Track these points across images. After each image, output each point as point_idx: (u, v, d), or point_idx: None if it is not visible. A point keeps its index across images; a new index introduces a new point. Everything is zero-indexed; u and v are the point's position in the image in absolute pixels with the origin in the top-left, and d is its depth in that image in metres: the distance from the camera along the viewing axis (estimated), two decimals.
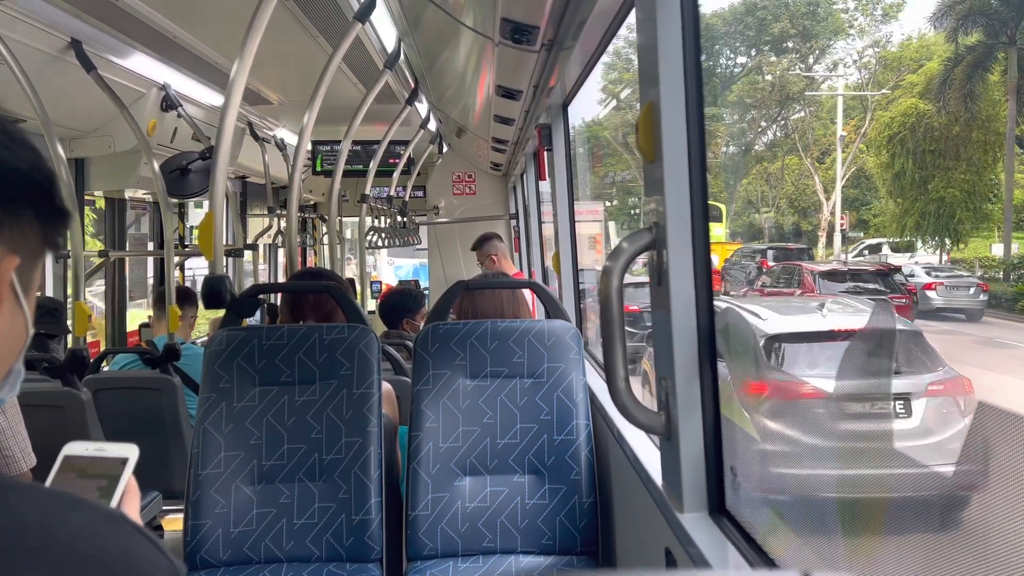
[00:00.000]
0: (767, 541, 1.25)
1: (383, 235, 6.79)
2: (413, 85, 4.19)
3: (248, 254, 6.50)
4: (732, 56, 29.33)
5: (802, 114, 26.36)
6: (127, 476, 0.78)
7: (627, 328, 1.36)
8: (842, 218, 21.41)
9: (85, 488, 0.77)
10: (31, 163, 0.67)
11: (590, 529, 2.18)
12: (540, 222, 5.19)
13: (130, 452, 0.79)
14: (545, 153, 3.45)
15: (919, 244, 13.70)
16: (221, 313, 2.60)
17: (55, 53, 3.07)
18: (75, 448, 0.80)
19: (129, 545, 0.55)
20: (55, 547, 0.51)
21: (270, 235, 7.16)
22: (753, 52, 27.93)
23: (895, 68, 22.15)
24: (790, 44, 26.69)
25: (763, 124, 27.80)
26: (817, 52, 26.11)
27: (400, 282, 8.58)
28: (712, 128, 27.63)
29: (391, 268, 15.20)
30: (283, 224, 6.39)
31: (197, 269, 6.76)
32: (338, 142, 5.66)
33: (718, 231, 21.54)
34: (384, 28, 3.29)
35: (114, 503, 0.76)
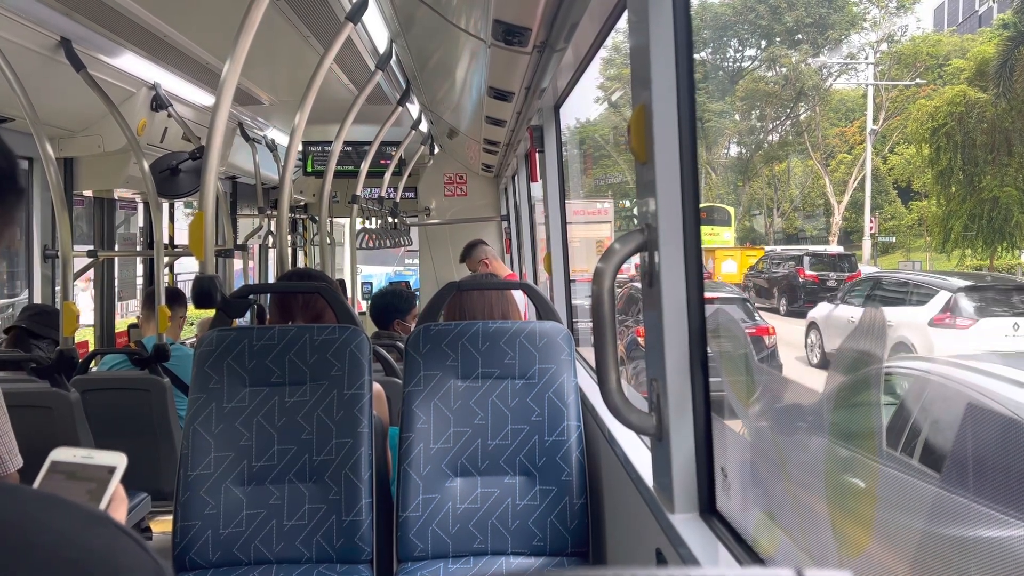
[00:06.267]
0: (757, 541, 1.26)
1: (374, 236, 6.78)
2: (405, 86, 4.19)
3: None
4: (741, 49, 28.91)
5: (812, 112, 25.85)
6: (115, 484, 0.77)
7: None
8: (871, 221, 20.62)
9: (74, 490, 0.76)
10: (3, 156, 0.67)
11: (581, 530, 2.19)
12: (533, 224, 5.20)
13: (118, 461, 0.78)
14: (537, 155, 3.46)
15: (968, 253, 12.23)
16: (211, 313, 2.59)
17: (44, 52, 3.05)
18: (62, 454, 0.79)
19: (113, 545, 0.54)
20: (38, 549, 0.51)
21: (260, 236, 7.14)
22: (764, 43, 27.43)
23: (910, 63, 21.47)
24: (801, 36, 26.06)
25: (773, 123, 27.36)
26: (831, 44, 25.50)
27: (390, 283, 8.56)
28: (719, 125, 27.32)
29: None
30: (273, 225, 6.37)
31: (184, 273, 6.73)
32: (329, 143, 5.65)
33: (726, 235, 21.12)
34: (376, 29, 3.28)
35: (102, 507, 0.76)
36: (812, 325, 8.87)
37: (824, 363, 8.29)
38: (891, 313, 7.36)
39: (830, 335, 8.34)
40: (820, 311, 9.10)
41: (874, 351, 1.18)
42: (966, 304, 6.82)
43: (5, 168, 0.68)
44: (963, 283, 7.29)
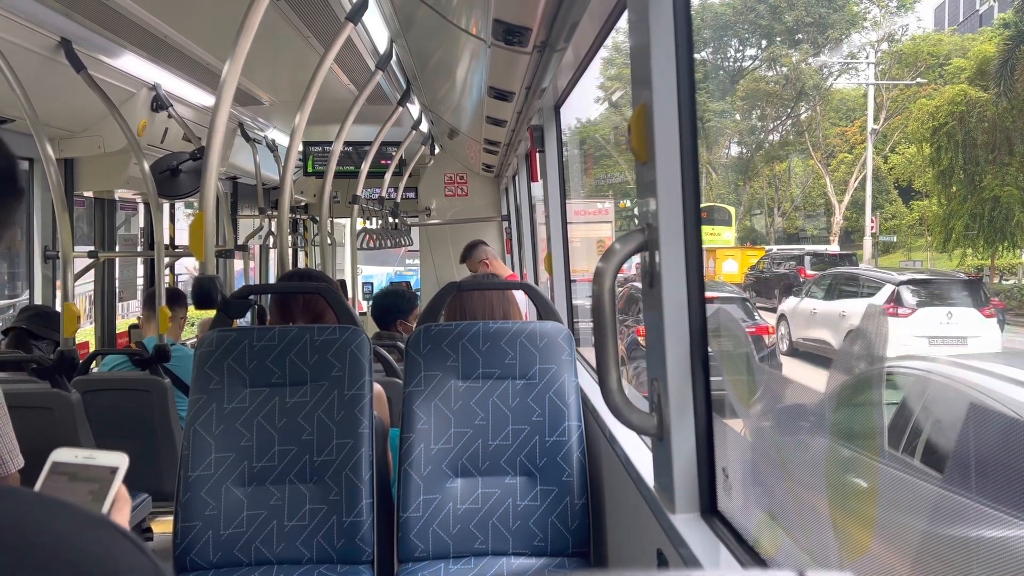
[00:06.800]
0: (759, 542, 1.25)
1: (374, 236, 6.78)
2: (405, 86, 4.19)
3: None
4: (741, 48, 28.87)
5: (813, 112, 25.80)
6: (117, 484, 0.77)
7: None
8: (872, 220, 20.60)
9: (77, 491, 0.76)
10: (4, 157, 0.67)
11: (582, 530, 2.18)
12: (533, 224, 5.20)
13: (120, 461, 0.78)
14: (537, 155, 3.45)
15: (969, 252, 12.30)
16: (211, 314, 2.59)
17: (45, 53, 3.05)
18: (64, 455, 0.79)
19: (110, 549, 0.54)
20: (35, 552, 0.51)
21: (261, 236, 7.14)
22: (764, 43, 27.38)
23: (910, 63, 21.43)
24: (801, 36, 25.98)
25: (773, 123, 27.28)
26: (832, 43, 25.41)
27: (391, 283, 8.57)
28: (720, 125, 27.28)
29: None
30: (274, 225, 6.37)
31: (185, 273, 6.73)
32: (329, 143, 5.66)
33: (727, 235, 21.07)
34: (376, 29, 3.28)
35: (104, 511, 0.75)
36: (782, 317, 9.56)
37: (792, 350, 8.90)
38: (846, 305, 8.39)
39: (796, 325, 9.08)
40: (788, 304, 9.79)
41: (874, 351, 1.18)
42: (908, 296, 7.88)
43: (5, 169, 0.68)
44: (905, 277, 8.45)
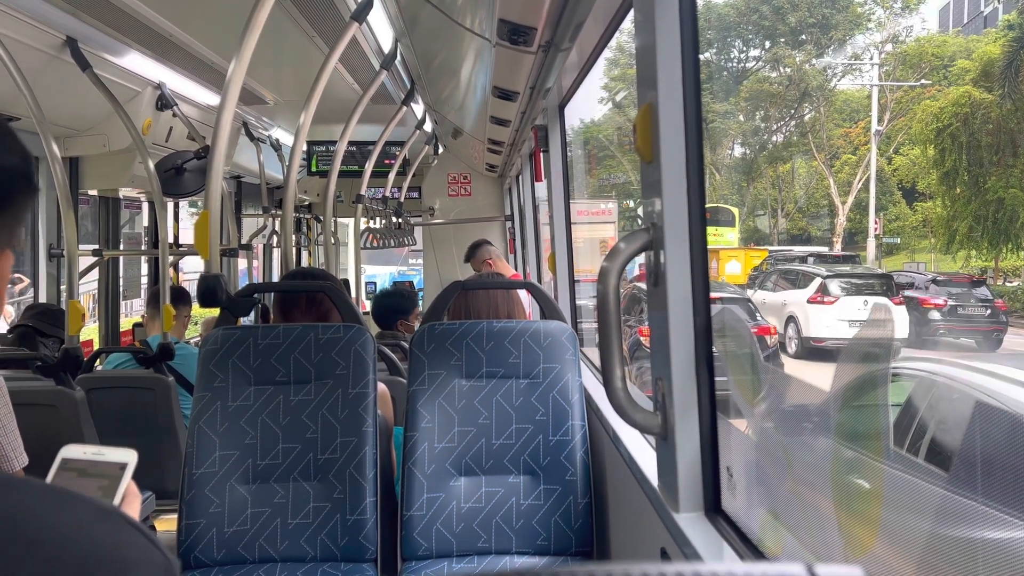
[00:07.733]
0: (763, 540, 1.25)
1: (378, 236, 6.78)
2: (409, 86, 4.19)
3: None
4: (745, 49, 28.82)
5: (817, 113, 25.75)
6: (127, 479, 0.78)
7: None
8: (876, 222, 20.56)
9: (87, 487, 0.76)
10: (21, 156, 0.67)
11: (585, 530, 2.19)
12: (537, 224, 5.20)
13: (129, 457, 0.78)
14: (541, 154, 3.45)
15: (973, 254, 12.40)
16: (215, 312, 2.59)
17: (50, 51, 3.06)
18: (73, 451, 0.79)
19: (121, 540, 0.54)
20: (47, 544, 0.51)
21: (265, 235, 7.15)
22: (768, 44, 27.32)
23: (915, 64, 21.40)
24: (804, 37, 25.93)
25: (777, 124, 27.21)
26: (836, 44, 25.34)
27: (394, 283, 8.58)
28: (724, 126, 27.24)
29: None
30: (278, 224, 6.38)
31: (188, 272, 6.74)
32: (333, 142, 5.67)
33: (731, 236, 21.09)
34: (381, 28, 3.29)
35: (115, 503, 0.76)
36: None
37: None
38: (786, 295, 10.01)
39: None
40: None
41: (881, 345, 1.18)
42: (833, 287, 9.50)
43: (22, 167, 0.68)
44: (830, 271, 10.21)
